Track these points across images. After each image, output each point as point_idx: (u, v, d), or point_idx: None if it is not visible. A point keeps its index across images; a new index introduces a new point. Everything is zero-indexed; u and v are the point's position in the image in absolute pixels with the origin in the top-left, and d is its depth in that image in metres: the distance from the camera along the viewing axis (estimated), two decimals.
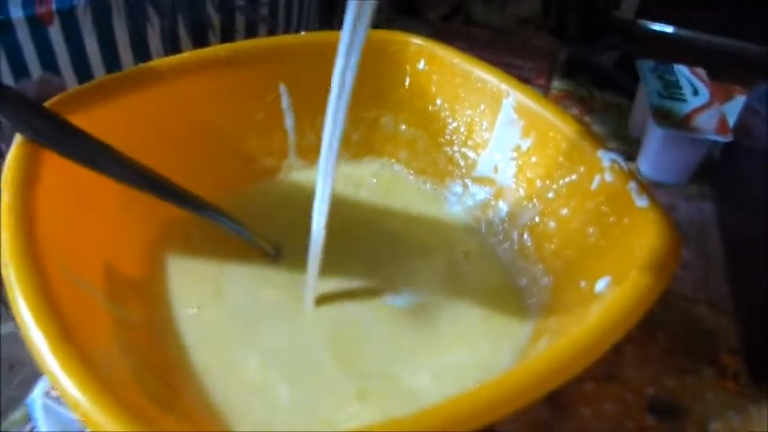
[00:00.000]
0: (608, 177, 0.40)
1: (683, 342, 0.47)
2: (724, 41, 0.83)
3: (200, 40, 0.59)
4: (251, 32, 0.62)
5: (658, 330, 0.48)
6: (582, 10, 0.84)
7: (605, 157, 0.40)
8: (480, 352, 0.40)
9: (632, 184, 0.38)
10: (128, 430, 0.24)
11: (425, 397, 0.37)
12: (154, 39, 0.57)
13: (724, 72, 0.70)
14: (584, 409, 0.42)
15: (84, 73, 0.56)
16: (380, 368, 0.38)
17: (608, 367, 0.45)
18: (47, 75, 0.55)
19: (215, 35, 0.60)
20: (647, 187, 0.38)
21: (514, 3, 0.86)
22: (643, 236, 0.36)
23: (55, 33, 0.53)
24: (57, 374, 0.25)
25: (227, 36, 0.60)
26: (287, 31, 0.66)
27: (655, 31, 0.86)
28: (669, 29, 0.85)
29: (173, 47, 0.58)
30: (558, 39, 0.83)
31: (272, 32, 0.64)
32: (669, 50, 0.83)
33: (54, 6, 0.52)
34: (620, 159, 0.40)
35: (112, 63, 0.56)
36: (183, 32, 0.58)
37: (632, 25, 0.85)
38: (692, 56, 0.71)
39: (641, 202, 0.37)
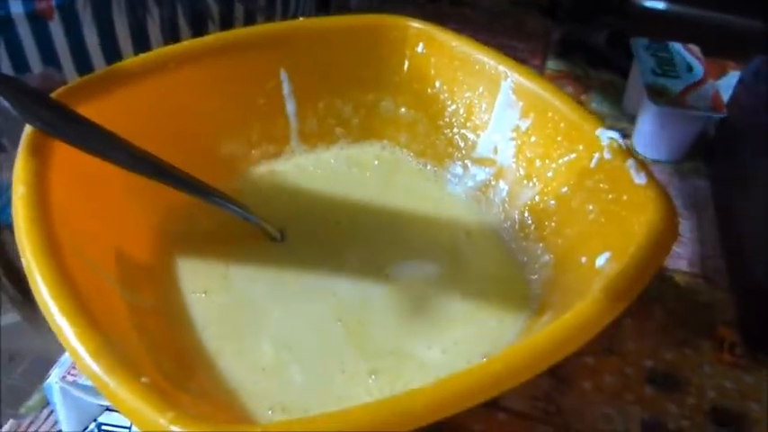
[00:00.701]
0: (606, 155, 0.41)
1: (681, 316, 0.48)
2: (716, 16, 0.83)
3: (199, 30, 0.59)
4: (249, 21, 0.62)
5: (656, 305, 0.49)
6: None
7: (604, 136, 0.41)
8: (486, 327, 0.41)
9: (631, 162, 0.39)
10: (154, 409, 0.25)
11: (435, 372, 0.38)
12: (154, 30, 0.57)
13: (717, 48, 0.71)
14: (585, 381, 0.44)
15: (85, 66, 0.56)
16: (390, 345, 0.39)
17: (608, 341, 0.46)
18: (48, 69, 0.55)
19: (214, 24, 0.60)
20: (646, 164, 0.39)
21: None
22: (641, 212, 0.36)
23: (55, 28, 0.53)
24: (85, 360, 0.26)
25: (227, 25, 0.61)
26: (284, 18, 0.67)
27: (647, 7, 0.86)
28: (661, 5, 0.85)
29: (173, 37, 0.58)
30: (550, 18, 0.83)
31: (270, 21, 0.64)
32: (662, 27, 0.83)
33: (54, 1, 0.52)
34: (618, 137, 0.41)
35: (113, 56, 0.57)
36: (182, 22, 0.58)
37: (625, 2, 0.86)
38: (685, 32, 0.72)
39: (639, 179, 0.38)
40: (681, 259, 0.53)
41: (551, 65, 0.75)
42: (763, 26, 0.65)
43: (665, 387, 0.44)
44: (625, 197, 0.38)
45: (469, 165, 0.50)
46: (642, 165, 0.39)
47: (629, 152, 0.40)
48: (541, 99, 0.45)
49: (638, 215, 0.36)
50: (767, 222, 0.47)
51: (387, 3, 0.84)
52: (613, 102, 0.70)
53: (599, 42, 0.76)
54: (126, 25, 0.56)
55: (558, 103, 0.44)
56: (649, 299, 0.49)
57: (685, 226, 0.56)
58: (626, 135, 0.65)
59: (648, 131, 0.61)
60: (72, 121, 0.37)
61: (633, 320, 0.48)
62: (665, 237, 0.35)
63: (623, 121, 0.67)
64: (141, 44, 0.57)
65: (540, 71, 0.73)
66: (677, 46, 0.66)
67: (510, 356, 0.29)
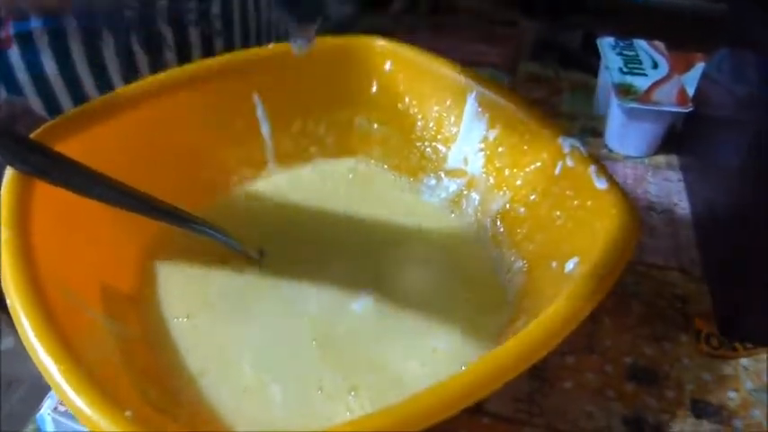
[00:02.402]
0: (569, 162, 0.42)
1: (658, 310, 0.49)
2: (686, 3, 0.85)
3: (155, 57, 0.60)
4: (207, 46, 0.63)
5: (633, 300, 0.50)
6: None
7: (565, 144, 0.42)
8: (465, 334, 0.42)
9: (592, 168, 0.40)
10: None
11: (415, 384, 0.38)
12: (110, 57, 0.58)
13: (687, 39, 0.72)
14: (567, 381, 0.44)
15: (45, 93, 0.57)
16: (369, 360, 0.40)
17: (588, 339, 0.47)
18: (11, 96, 0.56)
19: (170, 50, 0.61)
20: (606, 170, 0.40)
21: None
22: (605, 216, 0.38)
23: (15, 56, 0.55)
24: (69, 396, 0.28)
25: (183, 50, 0.61)
26: (245, 42, 0.67)
27: None
28: None
29: (129, 63, 0.59)
30: (528, 15, 0.84)
31: (228, 44, 0.65)
32: (635, 20, 0.84)
33: (12, 31, 0.54)
34: (579, 144, 0.42)
35: (72, 83, 0.58)
36: (137, 48, 0.59)
37: None
38: (657, 24, 0.73)
39: (601, 184, 0.39)
40: (656, 253, 0.54)
41: (523, 68, 0.76)
42: (726, 8, 0.65)
43: (644, 382, 0.45)
44: (589, 202, 0.40)
45: (442, 176, 0.51)
46: (603, 170, 0.40)
47: (591, 158, 0.41)
48: (506, 110, 0.46)
49: (601, 219, 0.38)
50: (738, 210, 0.48)
51: (364, 15, 0.84)
52: (585, 101, 0.71)
53: (569, 44, 0.78)
54: (83, 53, 0.57)
55: (521, 113, 0.45)
56: (627, 295, 0.50)
57: (659, 219, 0.57)
58: (598, 133, 0.66)
59: (618, 129, 0.63)
60: (54, 161, 0.38)
61: (612, 318, 0.48)
62: (627, 239, 0.36)
63: (596, 119, 0.68)
64: (98, 71, 0.58)
65: (512, 75, 0.74)
66: (643, 44, 0.68)
67: (479, 367, 0.30)
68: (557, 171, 0.43)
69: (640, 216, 0.38)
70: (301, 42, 0.39)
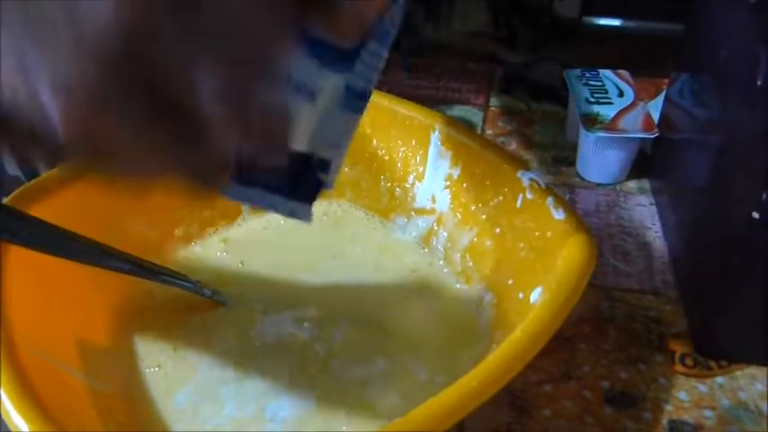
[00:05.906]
0: (529, 195, 0.43)
1: (633, 333, 0.50)
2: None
3: None
4: None
5: (609, 325, 0.51)
6: (528, 14, 0.87)
7: (524, 177, 0.44)
8: (442, 367, 0.43)
9: (550, 200, 0.41)
10: None
11: (397, 416, 0.39)
12: None
13: (652, 64, 0.73)
14: (545, 409, 0.45)
15: None
16: (351, 395, 0.41)
17: (565, 366, 0.47)
18: None
19: None
20: (564, 201, 0.41)
21: (462, 18, 0.89)
22: (563, 246, 0.39)
23: None
24: None
25: None
26: None
27: (601, 25, 0.89)
28: (616, 21, 0.88)
29: None
30: (510, 48, 0.86)
31: None
32: (612, 48, 0.85)
33: None
34: (537, 178, 0.43)
35: None
36: None
37: (577, 24, 0.88)
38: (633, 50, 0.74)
39: (558, 215, 0.40)
40: (631, 277, 0.55)
41: (495, 102, 0.77)
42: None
43: (622, 406, 0.45)
44: (549, 233, 0.41)
45: (412, 214, 0.52)
46: (560, 201, 0.41)
47: (549, 190, 0.42)
48: (466, 147, 0.48)
49: (560, 249, 0.39)
50: (706, 229, 0.49)
51: None
52: (557, 131, 0.72)
53: (539, 77, 0.79)
54: None
55: (481, 150, 0.47)
56: (602, 320, 0.51)
57: (632, 244, 0.58)
58: (570, 162, 0.67)
59: (588, 157, 0.64)
60: (27, 224, 0.39)
61: (588, 343, 0.49)
62: (584, 267, 0.37)
63: (567, 148, 0.69)
64: None
65: (484, 109, 0.76)
66: (609, 74, 0.69)
67: (442, 399, 0.31)
68: (518, 204, 0.44)
69: (596, 243, 0.39)
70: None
